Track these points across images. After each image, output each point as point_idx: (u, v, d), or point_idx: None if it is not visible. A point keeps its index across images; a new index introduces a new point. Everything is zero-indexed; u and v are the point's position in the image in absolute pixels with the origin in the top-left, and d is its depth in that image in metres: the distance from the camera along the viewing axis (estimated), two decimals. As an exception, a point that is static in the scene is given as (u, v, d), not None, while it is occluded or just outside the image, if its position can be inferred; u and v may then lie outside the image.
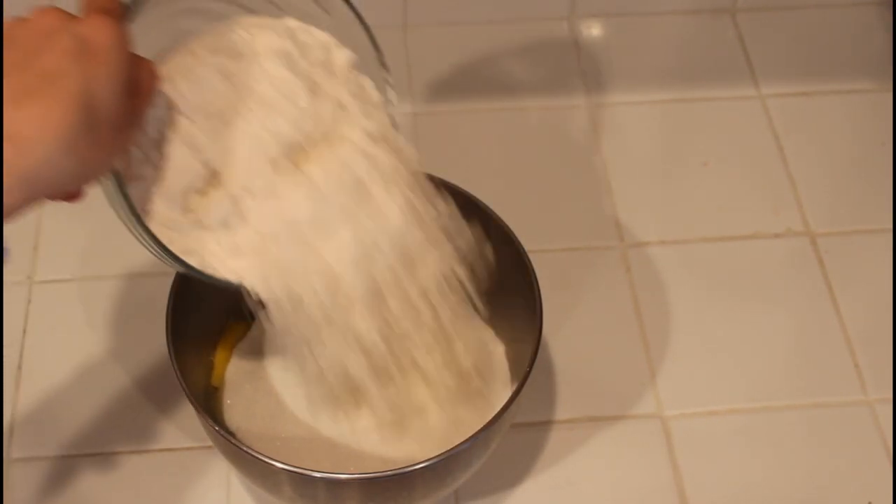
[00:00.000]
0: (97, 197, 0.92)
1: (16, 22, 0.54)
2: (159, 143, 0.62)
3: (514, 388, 0.68)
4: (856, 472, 0.79)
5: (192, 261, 0.63)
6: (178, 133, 0.62)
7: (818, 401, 0.83)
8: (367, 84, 0.69)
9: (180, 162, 0.62)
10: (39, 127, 0.52)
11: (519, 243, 0.74)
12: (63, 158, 0.53)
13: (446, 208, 0.69)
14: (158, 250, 0.62)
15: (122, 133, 0.56)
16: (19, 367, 0.82)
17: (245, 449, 0.65)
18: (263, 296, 0.63)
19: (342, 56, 0.68)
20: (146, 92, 0.58)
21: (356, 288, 0.64)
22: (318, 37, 0.67)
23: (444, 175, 0.77)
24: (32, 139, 0.52)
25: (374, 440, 0.71)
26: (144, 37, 0.59)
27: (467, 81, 1.02)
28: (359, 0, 1.02)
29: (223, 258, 0.63)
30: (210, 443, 0.78)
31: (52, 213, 0.92)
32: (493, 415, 0.67)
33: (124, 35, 0.55)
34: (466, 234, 0.70)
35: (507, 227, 0.75)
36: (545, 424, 0.81)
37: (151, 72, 0.59)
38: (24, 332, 0.84)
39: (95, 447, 0.79)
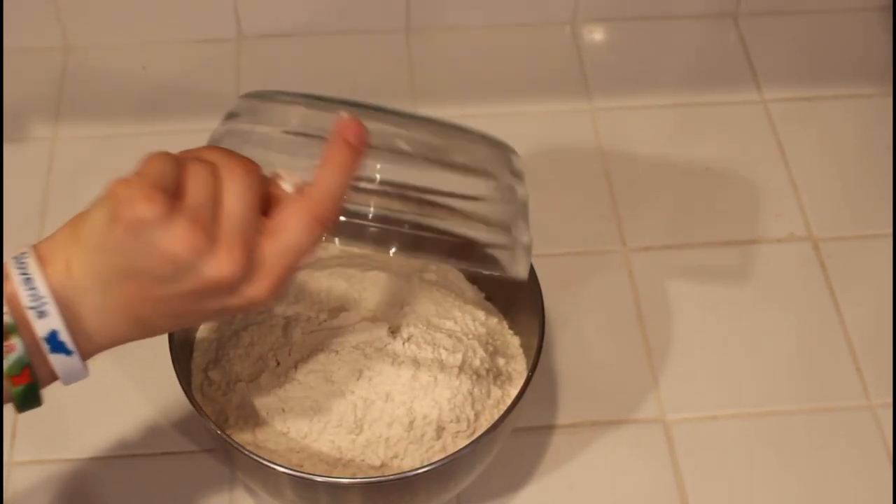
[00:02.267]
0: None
1: (208, 253, 0.50)
2: None
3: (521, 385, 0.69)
4: (858, 477, 0.79)
5: None
6: None
7: (820, 405, 0.83)
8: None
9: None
10: (116, 341, 0.55)
11: (521, 247, 0.74)
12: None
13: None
14: None
15: None
16: (21, 371, 0.82)
17: (247, 453, 0.65)
18: None
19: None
20: None
21: None
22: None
23: (447, 179, 0.77)
24: (102, 348, 0.55)
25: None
26: None
27: (470, 86, 1.02)
28: (361, 3, 1.04)
29: None
30: (212, 446, 0.78)
31: (56, 216, 0.92)
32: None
33: (282, 293, 0.57)
34: None
35: (509, 231, 0.74)
36: (547, 428, 0.81)
37: None
38: (27, 335, 0.84)
39: (98, 451, 0.79)
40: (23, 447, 0.79)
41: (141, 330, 0.54)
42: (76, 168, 0.96)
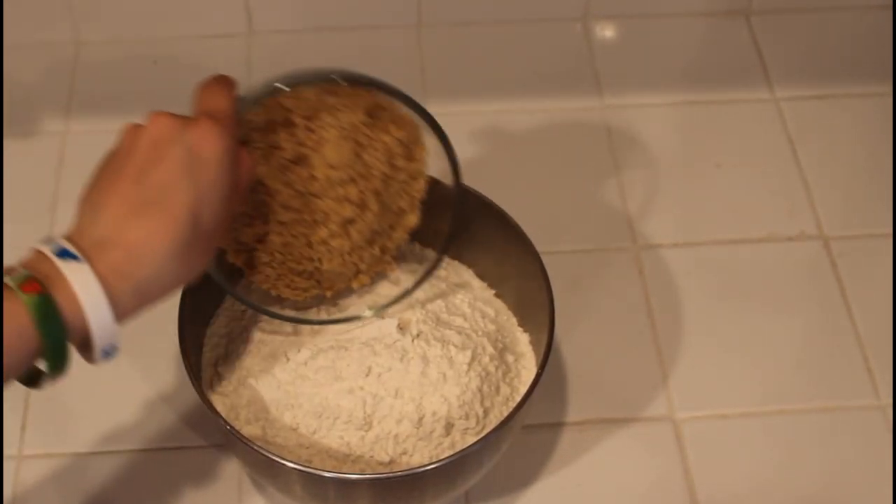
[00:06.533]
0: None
1: (133, 130, 0.59)
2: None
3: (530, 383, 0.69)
4: (868, 476, 0.79)
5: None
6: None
7: (830, 404, 0.83)
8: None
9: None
10: (154, 240, 0.55)
11: (532, 245, 0.74)
12: (172, 266, 0.56)
13: None
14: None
15: (220, 231, 0.60)
16: (32, 364, 0.82)
17: (256, 448, 0.65)
18: None
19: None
20: (243, 189, 0.62)
21: None
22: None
23: (458, 176, 0.77)
24: (147, 251, 0.55)
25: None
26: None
27: (481, 82, 1.02)
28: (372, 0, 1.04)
29: None
30: (222, 441, 0.78)
31: (66, 209, 0.92)
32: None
33: (229, 144, 0.59)
34: None
35: (520, 228, 0.74)
36: (556, 426, 0.81)
37: (249, 169, 0.63)
38: (37, 329, 0.84)
39: (107, 445, 0.79)
40: (32, 441, 0.79)
41: (136, 219, 0.56)
42: (87, 162, 0.94)
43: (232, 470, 0.78)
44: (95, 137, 0.97)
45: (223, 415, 0.69)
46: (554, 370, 0.83)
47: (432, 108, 0.99)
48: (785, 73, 1.03)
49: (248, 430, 0.69)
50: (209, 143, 0.58)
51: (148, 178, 0.57)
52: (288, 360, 0.71)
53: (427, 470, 0.65)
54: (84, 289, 0.53)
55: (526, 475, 0.79)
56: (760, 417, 0.82)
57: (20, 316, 0.51)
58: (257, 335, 0.73)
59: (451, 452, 0.67)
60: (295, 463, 0.65)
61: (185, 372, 0.68)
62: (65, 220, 0.90)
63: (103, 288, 0.53)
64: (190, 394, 0.68)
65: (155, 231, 0.55)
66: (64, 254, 0.53)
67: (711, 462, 0.80)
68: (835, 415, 0.82)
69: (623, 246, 0.91)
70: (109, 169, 0.59)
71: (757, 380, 0.84)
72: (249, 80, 1.01)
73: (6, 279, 0.52)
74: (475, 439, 0.68)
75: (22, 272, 0.53)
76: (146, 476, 0.78)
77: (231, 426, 0.66)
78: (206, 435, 0.79)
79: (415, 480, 0.66)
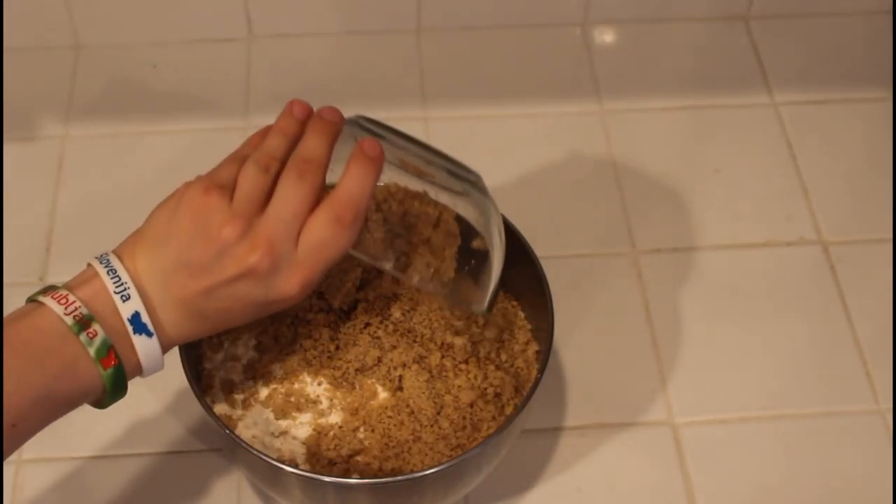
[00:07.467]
0: (107, 199, 0.93)
1: (242, 236, 0.57)
2: None
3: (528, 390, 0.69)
4: (867, 481, 0.79)
5: None
6: None
7: (829, 409, 0.83)
8: None
9: None
10: (198, 334, 0.61)
11: (531, 249, 0.74)
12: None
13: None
14: None
15: None
16: (31, 368, 0.82)
17: (255, 452, 0.65)
18: None
19: None
20: None
21: None
22: None
23: (457, 180, 0.77)
24: (190, 337, 0.61)
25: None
26: None
27: (480, 87, 1.02)
28: (372, 4, 1.04)
29: None
30: (221, 445, 0.78)
31: (65, 215, 0.92)
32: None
33: (309, 292, 0.59)
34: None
35: (519, 232, 0.74)
36: (555, 430, 0.81)
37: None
38: (36, 333, 0.84)
39: (106, 449, 0.79)
40: (31, 445, 0.79)
41: (199, 323, 0.59)
42: (86, 166, 0.96)
43: (231, 474, 0.78)
44: (95, 142, 0.98)
45: (222, 419, 0.69)
46: (553, 374, 0.83)
47: (432, 113, 1.00)
48: (784, 78, 1.04)
49: (247, 435, 0.69)
50: (289, 300, 0.59)
51: (218, 301, 0.58)
52: (287, 362, 0.71)
53: (426, 475, 0.65)
54: (148, 359, 0.59)
55: (525, 480, 0.79)
56: (759, 422, 0.82)
57: (94, 380, 0.57)
58: (256, 340, 0.73)
59: (451, 457, 0.67)
60: (294, 467, 0.65)
61: (184, 376, 0.68)
62: (64, 222, 0.91)
63: (161, 349, 0.59)
64: (189, 398, 0.68)
65: (202, 332, 0.61)
66: (139, 326, 0.57)
67: (710, 466, 0.80)
68: (834, 419, 0.82)
69: (622, 251, 0.91)
70: (202, 238, 0.57)
71: (756, 384, 0.84)
72: (249, 83, 1.02)
73: (83, 339, 0.56)
74: (474, 444, 0.68)
75: (100, 337, 0.56)
76: (145, 480, 0.78)
77: (230, 430, 0.66)
78: (206, 439, 0.79)
79: (414, 485, 0.66)
